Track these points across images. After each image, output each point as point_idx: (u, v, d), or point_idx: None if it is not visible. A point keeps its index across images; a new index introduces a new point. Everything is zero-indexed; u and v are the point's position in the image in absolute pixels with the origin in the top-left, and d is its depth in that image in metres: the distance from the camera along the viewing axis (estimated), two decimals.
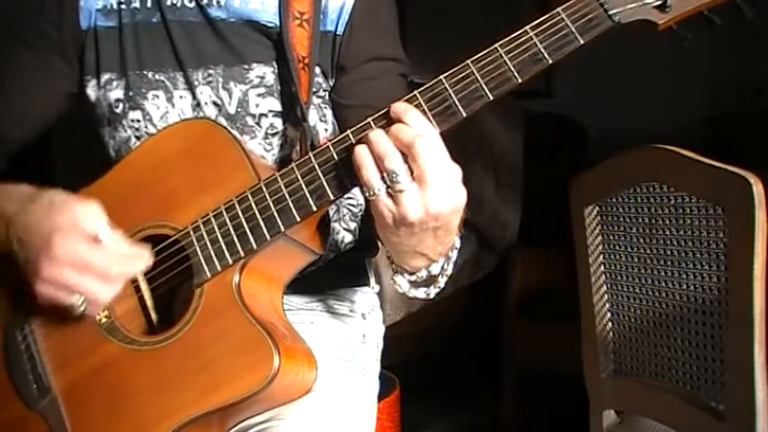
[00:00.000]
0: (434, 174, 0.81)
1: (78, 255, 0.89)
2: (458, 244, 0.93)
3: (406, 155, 0.82)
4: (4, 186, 1.01)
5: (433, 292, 0.96)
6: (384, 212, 0.84)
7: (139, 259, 0.93)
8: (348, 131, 0.88)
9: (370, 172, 0.83)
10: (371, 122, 0.87)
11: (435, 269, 0.92)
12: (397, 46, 1.16)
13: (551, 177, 1.85)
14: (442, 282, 0.95)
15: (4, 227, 0.95)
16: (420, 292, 0.95)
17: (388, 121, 0.85)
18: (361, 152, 0.84)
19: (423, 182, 0.81)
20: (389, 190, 0.83)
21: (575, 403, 1.51)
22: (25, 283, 0.92)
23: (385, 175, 0.82)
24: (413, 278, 0.94)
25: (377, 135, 0.83)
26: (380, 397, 1.24)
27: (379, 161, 0.83)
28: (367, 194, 0.84)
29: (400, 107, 0.85)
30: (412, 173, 0.82)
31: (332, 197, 0.89)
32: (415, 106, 0.85)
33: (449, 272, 0.94)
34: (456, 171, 0.83)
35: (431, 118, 0.86)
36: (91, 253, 0.89)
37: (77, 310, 0.91)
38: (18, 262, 0.93)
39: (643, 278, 1.30)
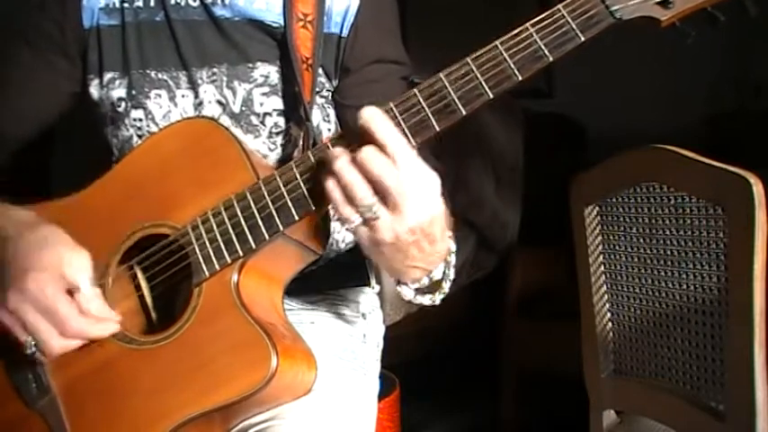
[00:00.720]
0: (407, 201, 0.80)
1: (44, 297, 0.87)
2: (453, 247, 0.92)
3: (377, 186, 0.80)
4: (9, 209, 1.01)
5: (438, 298, 0.94)
6: (362, 238, 0.84)
7: (105, 324, 0.91)
8: (348, 131, 0.88)
9: (344, 209, 0.82)
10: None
11: (437, 275, 0.91)
12: (400, 48, 1.15)
13: (551, 177, 1.85)
14: (446, 287, 0.93)
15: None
16: (426, 299, 0.94)
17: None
18: (332, 189, 0.82)
19: (396, 209, 0.80)
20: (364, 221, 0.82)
21: (575, 403, 1.51)
22: None
23: (360, 209, 0.81)
24: (416, 286, 0.93)
25: (343, 169, 0.80)
26: (380, 397, 1.24)
27: (349, 201, 0.81)
28: (345, 227, 0.84)
29: (368, 119, 0.81)
30: (384, 201, 0.80)
31: None
32: (414, 104, 0.85)
33: (452, 276, 0.93)
34: (431, 185, 0.81)
35: (430, 116, 0.85)
36: (57, 299, 0.88)
37: (27, 350, 0.90)
38: None
39: (643, 278, 1.30)
